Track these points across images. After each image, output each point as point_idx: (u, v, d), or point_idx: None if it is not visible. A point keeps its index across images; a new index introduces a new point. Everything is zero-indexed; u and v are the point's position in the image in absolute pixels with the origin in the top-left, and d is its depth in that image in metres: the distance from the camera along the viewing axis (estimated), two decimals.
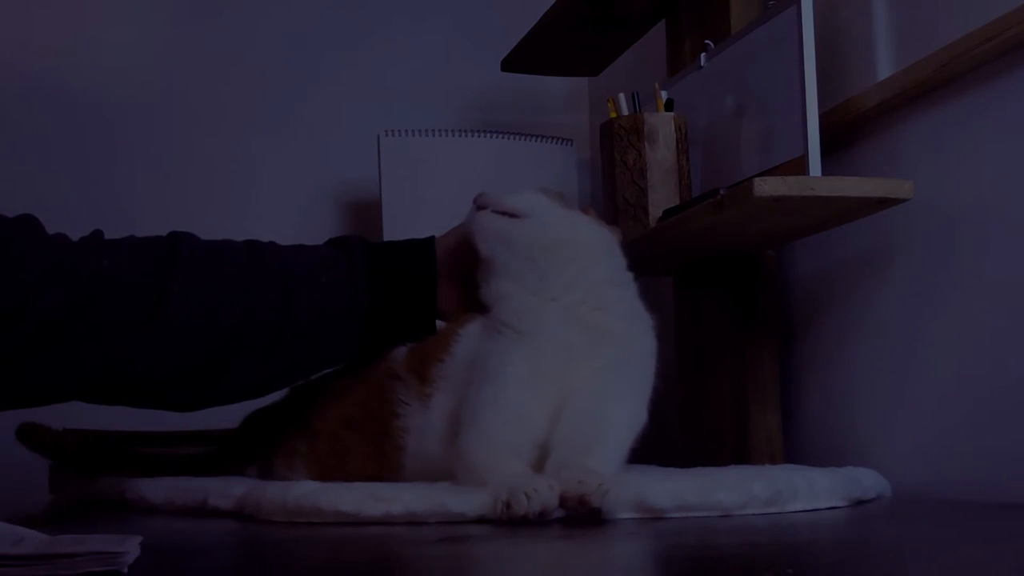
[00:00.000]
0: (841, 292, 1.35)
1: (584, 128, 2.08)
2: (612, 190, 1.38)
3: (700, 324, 1.47)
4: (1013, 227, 1.10)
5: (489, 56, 1.86)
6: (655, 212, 1.34)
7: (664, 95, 1.42)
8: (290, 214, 1.98)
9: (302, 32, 2.03)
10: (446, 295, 1.18)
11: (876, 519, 0.99)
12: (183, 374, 1.08)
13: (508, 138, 1.84)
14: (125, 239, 1.10)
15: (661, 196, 1.35)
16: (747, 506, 0.94)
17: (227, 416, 1.28)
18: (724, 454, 1.38)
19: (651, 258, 1.40)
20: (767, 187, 1.12)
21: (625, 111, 1.40)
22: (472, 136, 1.83)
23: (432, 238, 1.20)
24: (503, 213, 1.10)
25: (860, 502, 1.04)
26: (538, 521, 0.89)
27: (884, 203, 1.18)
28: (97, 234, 1.10)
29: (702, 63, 1.42)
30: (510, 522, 0.89)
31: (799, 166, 1.20)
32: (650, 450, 1.09)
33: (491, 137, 1.83)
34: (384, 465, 1.11)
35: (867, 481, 1.09)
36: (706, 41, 1.42)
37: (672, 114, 1.39)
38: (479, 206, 1.12)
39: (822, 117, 1.22)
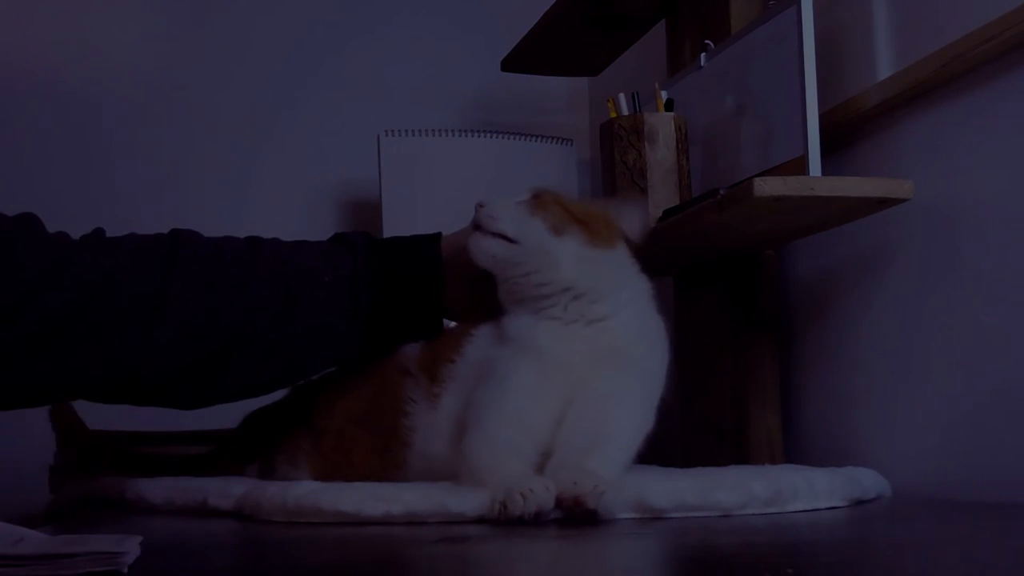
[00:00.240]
0: (841, 292, 1.35)
1: (584, 128, 2.08)
2: (612, 190, 1.38)
3: (700, 324, 1.47)
4: (1013, 227, 1.10)
5: (489, 56, 1.86)
6: (655, 212, 1.34)
7: (664, 95, 1.42)
8: (290, 214, 1.98)
9: (302, 32, 2.03)
10: (455, 294, 1.16)
11: (876, 519, 0.99)
12: (183, 373, 1.08)
13: (508, 138, 1.84)
14: (126, 237, 1.10)
15: (661, 196, 1.35)
16: (747, 506, 0.94)
17: (227, 416, 1.28)
18: (724, 454, 1.38)
19: (651, 258, 1.40)
20: (767, 187, 1.12)
21: (625, 111, 1.40)
22: (472, 136, 1.83)
23: (438, 235, 1.18)
24: (496, 234, 1.08)
25: (860, 502, 1.04)
26: (534, 522, 0.89)
27: (884, 203, 1.18)
28: (98, 232, 1.10)
29: (702, 63, 1.42)
30: (507, 522, 0.89)
31: (799, 166, 1.20)
32: (650, 450, 1.09)
33: (491, 137, 1.83)
34: (388, 461, 1.11)
35: (867, 481, 1.08)
36: (706, 41, 1.42)
37: (672, 114, 1.39)
38: (474, 224, 1.09)
39: (822, 117, 1.22)
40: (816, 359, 1.39)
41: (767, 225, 1.25)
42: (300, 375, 1.18)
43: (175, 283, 1.06)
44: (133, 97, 1.95)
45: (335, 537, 0.87)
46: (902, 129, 1.25)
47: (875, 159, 1.28)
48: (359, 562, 0.76)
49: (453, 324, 1.18)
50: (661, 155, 1.36)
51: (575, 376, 1.03)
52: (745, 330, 1.40)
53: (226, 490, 1.08)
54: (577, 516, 0.90)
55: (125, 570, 0.62)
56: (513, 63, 1.81)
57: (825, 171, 1.19)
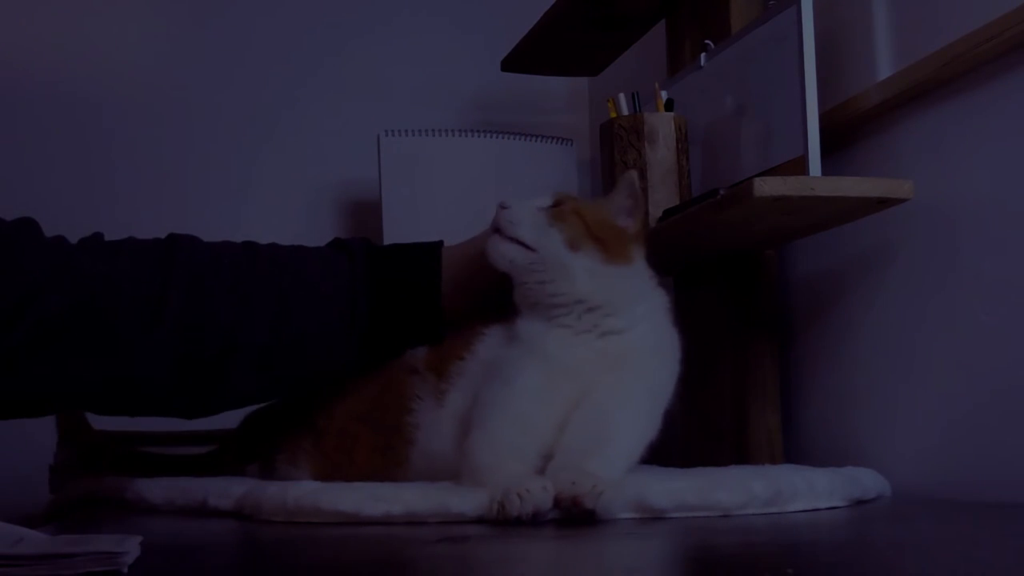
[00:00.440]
0: (841, 292, 1.35)
1: (584, 128, 2.08)
2: (612, 190, 1.38)
3: (700, 324, 1.47)
4: (1013, 227, 1.10)
5: (489, 56, 1.86)
6: (655, 212, 1.34)
7: (664, 95, 1.42)
8: (290, 214, 1.98)
9: (302, 32, 2.03)
10: (455, 303, 1.15)
11: (876, 519, 0.99)
12: (181, 381, 1.08)
13: (508, 138, 1.84)
14: (125, 242, 1.10)
15: (661, 196, 1.35)
16: (747, 506, 0.94)
17: (228, 416, 1.28)
18: (724, 454, 1.38)
19: (651, 258, 1.40)
20: (767, 187, 1.12)
21: (625, 111, 1.40)
22: (472, 136, 1.83)
23: (439, 244, 1.17)
24: (514, 239, 1.07)
25: (860, 502, 1.04)
26: (531, 522, 0.89)
27: (884, 203, 1.18)
28: (97, 236, 1.10)
29: (702, 63, 1.42)
30: (505, 523, 0.89)
31: (799, 166, 1.20)
32: (650, 450, 1.09)
33: (491, 137, 1.83)
34: (390, 460, 1.11)
35: (867, 481, 1.08)
36: (706, 41, 1.42)
37: (672, 114, 1.39)
38: (493, 227, 1.08)
39: (822, 117, 1.22)
40: (816, 359, 1.39)
41: (767, 225, 1.25)
42: (299, 384, 1.17)
43: (172, 290, 1.06)
44: (133, 97, 1.95)
45: (335, 537, 0.87)
46: (902, 129, 1.25)
47: (875, 159, 1.28)
48: (359, 562, 0.76)
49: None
50: (661, 155, 1.36)
51: (581, 382, 1.03)
52: (745, 330, 1.40)
53: (226, 490, 1.08)
54: (575, 516, 0.90)
55: (125, 570, 0.62)
56: (513, 63, 1.81)
57: (825, 171, 1.19)
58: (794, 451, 1.38)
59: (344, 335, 1.12)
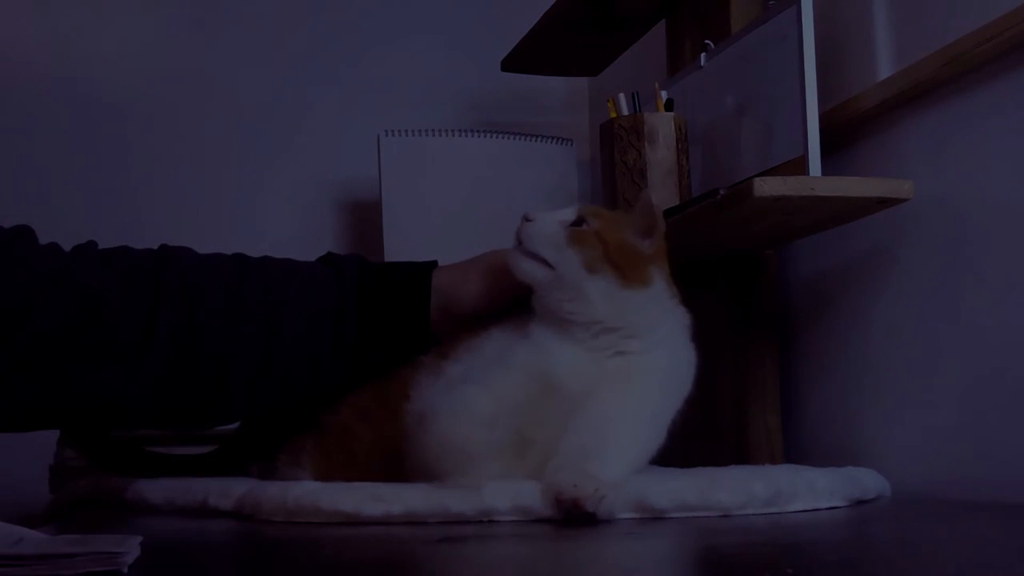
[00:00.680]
0: (841, 292, 1.35)
1: (584, 128, 2.08)
2: (612, 190, 1.38)
3: (700, 324, 1.46)
4: (1013, 227, 1.10)
5: (489, 56, 1.86)
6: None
7: (664, 95, 1.42)
8: (290, 214, 1.98)
9: (302, 32, 2.03)
10: (445, 325, 1.14)
11: (876, 519, 0.99)
12: (170, 398, 1.08)
13: (508, 138, 1.84)
14: (117, 254, 1.09)
15: (661, 196, 1.35)
16: (747, 506, 0.94)
17: None
18: (724, 454, 1.38)
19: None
20: (767, 187, 1.12)
21: (625, 111, 1.40)
22: (472, 136, 1.83)
23: (433, 263, 1.17)
24: (534, 255, 1.06)
25: (860, 502, 1.04)
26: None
27: (884, 203, 1.18)
28: (90, 245, 1.09)
29: (702, 63, 1.42)
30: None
31: (799, 166, 1.20)
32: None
33: (491, 137, 1.83)
34: (390, 451, 1.11)
35: (867, 481, 1.08)
36: (706, 41, 1.42)
37: (672, 114, 1.38)
38: (517, 237, 1.07)
39: (822, 117, 1.22)
40: (816, 359, 1.39)
41: (767, 225, 1.25)
42: (288, 401, 1.16)
43: (163, 307, 1.06)
44: (133, 97, 1.95)
45: (335, 537, 0.87)
46: (902, 129, 1.25)
47: (875, 159, 1.28)
48: (359, 562, 0.76)
49: None
50: (661, 155, 1.36)
51: (582, 393, 1.02)
52: (745, 330, 1.40)
53: (226, 490, 1.08)
54: (576, 519, 0.90)
55: (125, 570, 0.62)
56: (513, 63, 1.81)
57: (825, 171, 1.19)
58: (794, 451, 1.38)
59: (331, 355, 1.12)
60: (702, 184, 1.39)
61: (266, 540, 0.91)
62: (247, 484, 1.09)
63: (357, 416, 1.15)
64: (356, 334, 1.13)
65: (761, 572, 0.64)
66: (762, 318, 1.40)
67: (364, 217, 1.98)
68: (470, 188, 1.80)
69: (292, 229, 1.95)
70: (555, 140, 1.88)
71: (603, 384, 1.03)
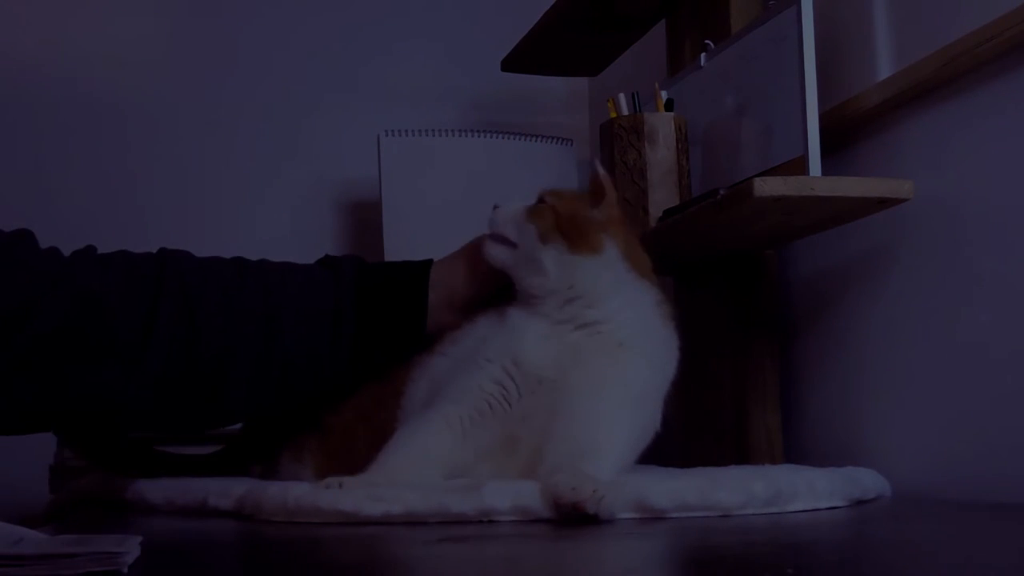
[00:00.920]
0: (841, 292, 1.35)
1: (584, 128, 2.08)
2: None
3: (700, 324, 1.47)
4: (1013, 227, 1.10)
5: (489, 56, 1.86)
6: (655, 212, 1.34)
7: (664, 95, 1.42)
8: (290, 213, 1.98)
9: (302, 32, 2.03)
10: (442, 319, 1.16)
11: (876, 519, 0.99)
12: (169, 400, 1.08)
13: (508, 138, 1.84)
14: (116, 258, 1.09)
15: (661, 196, 1.35)
16: (747, 506, 0.94)
17: None
18: (724, 454, 1.38)
19: (651, 258, 1.40)
20: (767, 187, 1.12)
21: (625, 111, 1.40)
22: (472, 136, 1.83)
23: (429, 263, 1.18)
24: (501, 238, 1.12)
25: (860, 502, 1.04)
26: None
27: (884, 203, 1.18)
28: (89, 250, 1.10)
29: (702, 63, 1.42)
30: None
31: (799, 166, 1.20)
32: (650, 450, 1.09)
33: (491, 137, 1.83)
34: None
35: (867, 481, 1.08)
36: (706, 41, 1.42)
37: (672, 114, 1.39)
38: (488, 227, 1.14)
39: (822, 117, 1.22)
40: (816, 359, 1.39)
41: (767, 225, 1.25)
42: (287, 402, 1.17)
43: (162, 310, 1.06)
44: (133, 97, 1.95)
45: (335, 537, 0.87)
46: (902, 129, 1.25)
47: (875, 159, 1.28)
48: (359, 562, 0.76)
49: None
50: (661, 155, 1.36)
51: (549, 374, 1.05)
52: (745, 330, 1.40)
53: (226, 490, 1.08)
54: (575, 520, 0.90)
55: (125, 570, 0.62)
56: (513, 63, 1.81)
57: (825, 171, 1.19)
58: (794, 451, 1.38)
59: (329, 356, 1.13)
60: (702, 184, 1.39)
61: (266, 540, 0.91)
62: (247, 484, 1.09)
63: (359, 417, 1.15)
64: (354, 334, 1.13)
65: (761, 572, 0.64)
66: (762, 318, 1.40)
67: (364, 217, 1.98)
68: (470, 188, 1.80)
69: (292, 229, 1.96)
70: (555, 140, 1.88)
71: (574, 360, 1.05)
